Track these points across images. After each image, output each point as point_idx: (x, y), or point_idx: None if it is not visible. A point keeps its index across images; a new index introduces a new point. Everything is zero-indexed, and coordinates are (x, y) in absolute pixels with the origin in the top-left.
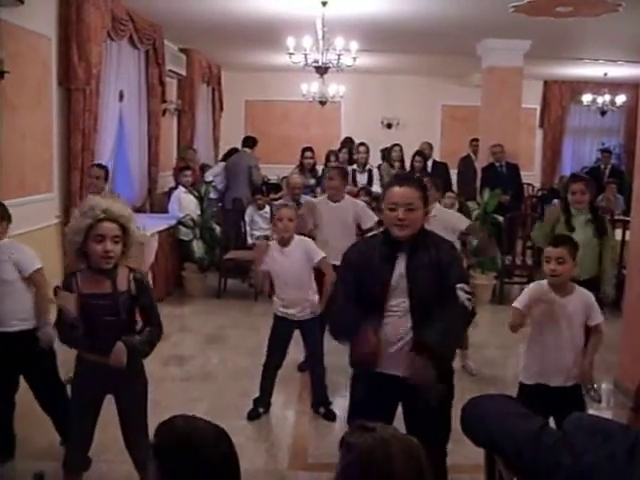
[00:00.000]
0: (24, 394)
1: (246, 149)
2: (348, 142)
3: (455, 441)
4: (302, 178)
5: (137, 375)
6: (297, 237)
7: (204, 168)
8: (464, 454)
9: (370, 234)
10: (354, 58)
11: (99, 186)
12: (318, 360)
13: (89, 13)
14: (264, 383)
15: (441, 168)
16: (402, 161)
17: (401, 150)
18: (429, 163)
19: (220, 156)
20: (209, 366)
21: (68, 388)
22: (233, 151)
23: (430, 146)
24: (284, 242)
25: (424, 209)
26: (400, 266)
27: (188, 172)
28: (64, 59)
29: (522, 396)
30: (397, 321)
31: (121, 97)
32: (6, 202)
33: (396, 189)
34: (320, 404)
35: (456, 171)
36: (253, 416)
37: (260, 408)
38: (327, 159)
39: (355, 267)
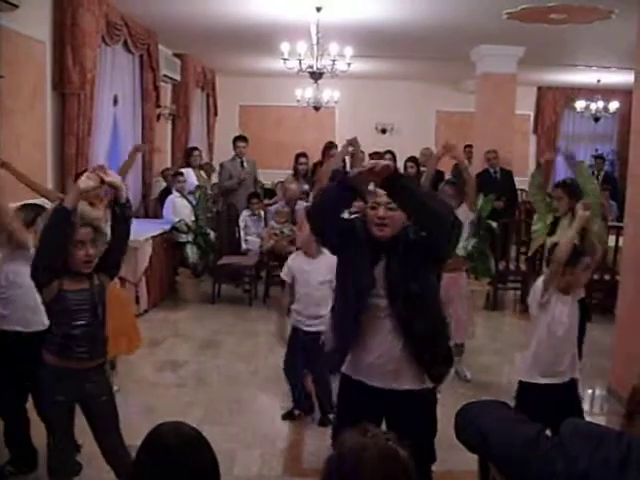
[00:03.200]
0: None
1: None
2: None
3: (448, 447)
4: (298, 185)
5: (103, 381)
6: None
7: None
8: (458, 461)
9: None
10: (348, 64)
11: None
12: (322, 365)
13: (84, 18)
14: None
15: (437, 175)
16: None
17: (393, 157)
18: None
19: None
20: (203, 372)
21: None
22: (190, 151)
23: (430, 152)
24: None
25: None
26: (380, 268)
27: (182, 177)
28: (59, 63)
29: (526, 396)
30: (374, 329)
31: (115, 102)
32: None
33: (378, 188)
34: (325, 409)
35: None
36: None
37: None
38: (321, 164)
39: (348, 235)
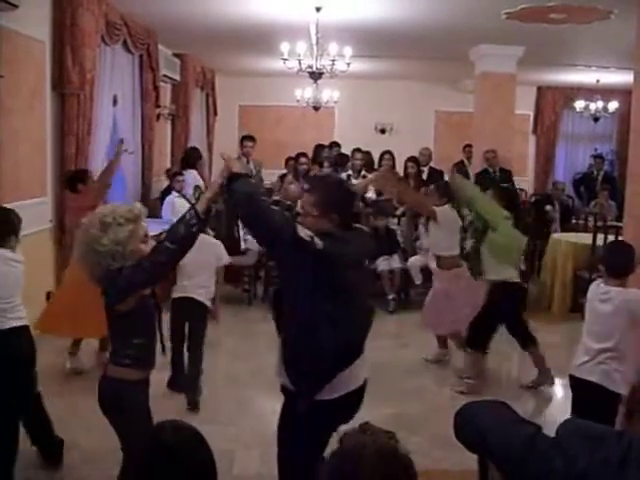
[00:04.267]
0: None
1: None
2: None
3: (447, 447)
4: (298, 186)
5: None
6: None
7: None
8: (456, 460)
9: None
10: (348, 64)
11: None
12: None
13: (83, 18)
14: None
15: (437, 176)
16: (393, 169)
17: (392, 157)
18: (426, 169)
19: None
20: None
21: None
22: (191, 151)
23: (429, 152)
24: None
25: (321, 214)
26: None
27: (181, 177)
28: (58, 63)
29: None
30: None
31: (115, 102)
32: None
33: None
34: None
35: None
36: None
37: None
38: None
39: None
